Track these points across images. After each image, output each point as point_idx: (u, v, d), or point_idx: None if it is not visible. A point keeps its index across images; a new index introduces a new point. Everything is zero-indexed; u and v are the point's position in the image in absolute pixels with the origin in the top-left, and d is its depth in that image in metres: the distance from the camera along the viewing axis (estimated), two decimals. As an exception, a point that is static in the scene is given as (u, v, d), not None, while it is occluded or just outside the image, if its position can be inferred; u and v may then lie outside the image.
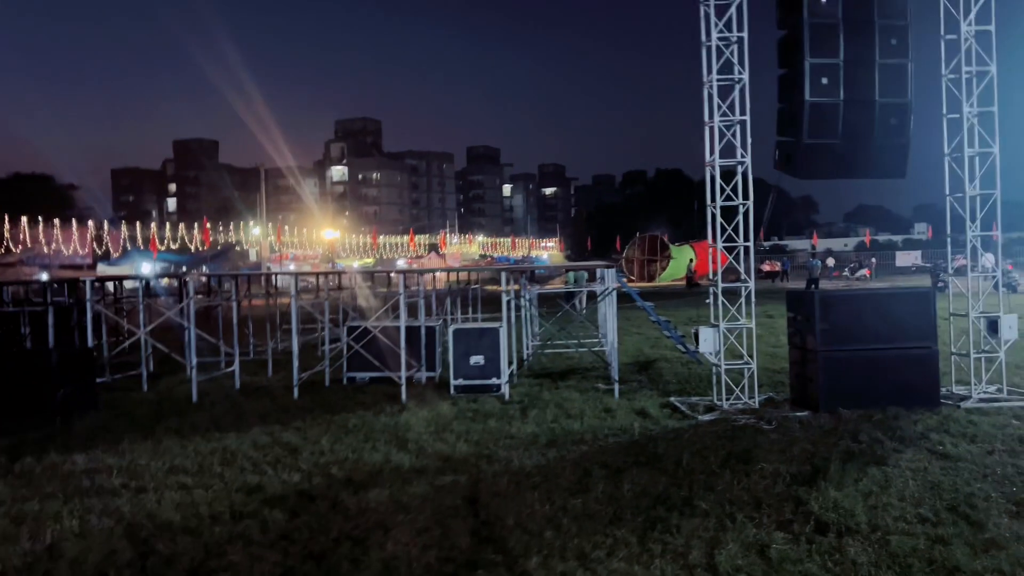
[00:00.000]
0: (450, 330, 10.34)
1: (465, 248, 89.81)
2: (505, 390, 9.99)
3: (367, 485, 5.98)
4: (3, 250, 46.17)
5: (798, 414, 8.19)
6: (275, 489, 5.96)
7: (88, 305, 10.82)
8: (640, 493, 5.71)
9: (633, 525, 5.05)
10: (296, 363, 10.35)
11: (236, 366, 11.29)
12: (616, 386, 9.91)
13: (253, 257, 64.63)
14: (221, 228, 68.07)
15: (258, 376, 12.19)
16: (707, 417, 8.35)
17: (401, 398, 9.76)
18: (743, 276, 8.79)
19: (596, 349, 13.21)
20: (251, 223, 70.37)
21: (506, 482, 6.05)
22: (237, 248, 60.54)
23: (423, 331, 11.26)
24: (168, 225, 65.56)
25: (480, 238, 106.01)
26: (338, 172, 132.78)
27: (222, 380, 11.47)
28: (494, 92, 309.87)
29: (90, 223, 55.62)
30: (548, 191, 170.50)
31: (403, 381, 9.99)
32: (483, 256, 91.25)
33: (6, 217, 48.39)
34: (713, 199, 8.95)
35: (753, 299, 8.86)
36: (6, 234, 48.70)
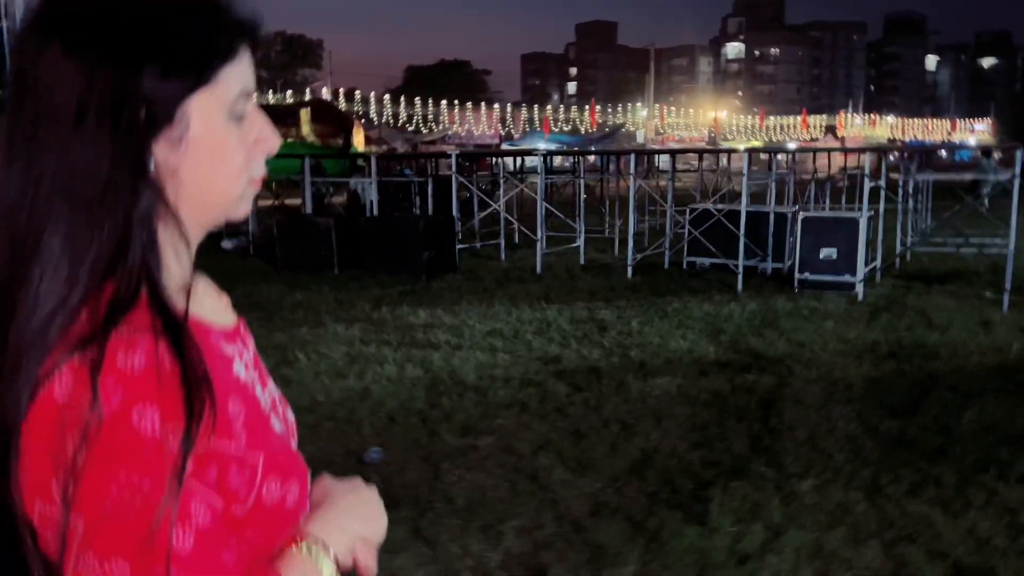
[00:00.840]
0: (800, 218, 9.34)
1: (868, 131, 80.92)
2: (859, 289, 8.83)
3: (658, 372, 5.73)
4: (427, 129, 52.90)
5: None
6: (571, 363, 6.01)
7: (454, 179, 11.81)
8: (985, 427, 4.65)
9: (959, 465, 4.12)
10: (631, 243, 10.26)
11: (580, 241, 11.58)
12: (1006, 296, 8.17)
13: (640, 139, 65.66)
14: (611, 110, 70.00)
15: (606, 253, 12.40)
16: None
17: (736, 288, 9.20)
18: None
19: (991, 251, 10.99)
20: (639, 105, 71.21)
21: (817, 391, 5.35)
22: (624, 130, 61.80)
23: (771, 217, 10.35)
24: (562, 108, 69.22)
25: (890, 119, 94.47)
26: (733, 49, 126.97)
27: (571, 255, 11.89)
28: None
29: (496, 106, 60.90)
30: (985, 63, 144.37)
31: (739, 270, 9.36)
32: (891, 140, 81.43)
33: (430, 100, 55.08)
34: None
35: None
36: (429, 115, 55.64)
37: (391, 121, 52.83)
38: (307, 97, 53.54)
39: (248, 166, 0.77)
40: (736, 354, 6.32)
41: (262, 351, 0.87)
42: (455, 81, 70.92)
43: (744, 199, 9.59)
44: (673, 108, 71.21)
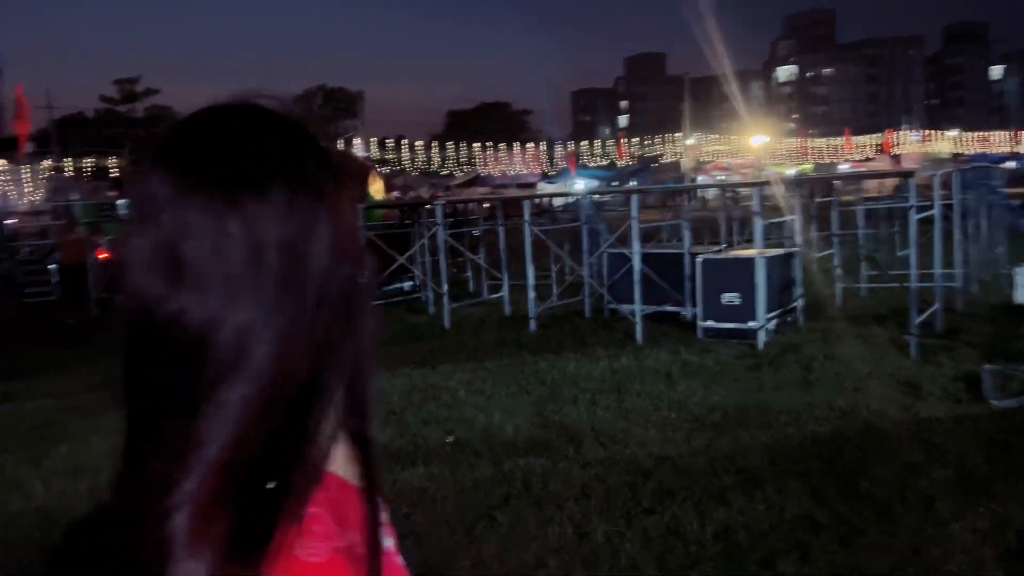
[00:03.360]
0: (697, 261, 8.48)
1: (927, 146, 77.57)
2: (761, 337, 7.90)
3: (420, 460, 5.01)
4: (460, 172, 53.00)
5: None
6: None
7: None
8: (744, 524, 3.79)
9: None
10: (531, 295, 9.53)
11: (504, 292, 10.89)
12: (912, 341, 7.14)
13: (685, 168, 64.45)
14: (652, 141, 69.07)
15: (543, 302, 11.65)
16: (1006, 403, 5.46)
17: (635, 337, 8.39)
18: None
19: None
20: (683, 133, 70.03)
21: (577, 479, 4.56)
22: (662, 160, 60.80)
23: (685, 260, 9.48)
24: (606, 143, 68.57)
25: (953, 133, 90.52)
26: (785, 72, 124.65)
27: (490, 306, 11.21)
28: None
29: (530, 145, 60.82)
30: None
31: (636, 318, 8.53)
32: (956, 155, 77.69)
33: (462, 143, 55.37)
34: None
35: None
36: (462, 158, 55.89)
37: (423, 167, 53.21)
38: (348, 147, 54.50)
39: None
40: (538, 430, 5.55)
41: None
42: (496, 123, 71.28)
43: (636, 238, 8.77)
44: (716, 135, 69.85)
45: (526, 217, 9.53)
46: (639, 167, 57.63)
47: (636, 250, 8.66)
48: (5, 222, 26.04)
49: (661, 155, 62.98)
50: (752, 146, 64.33)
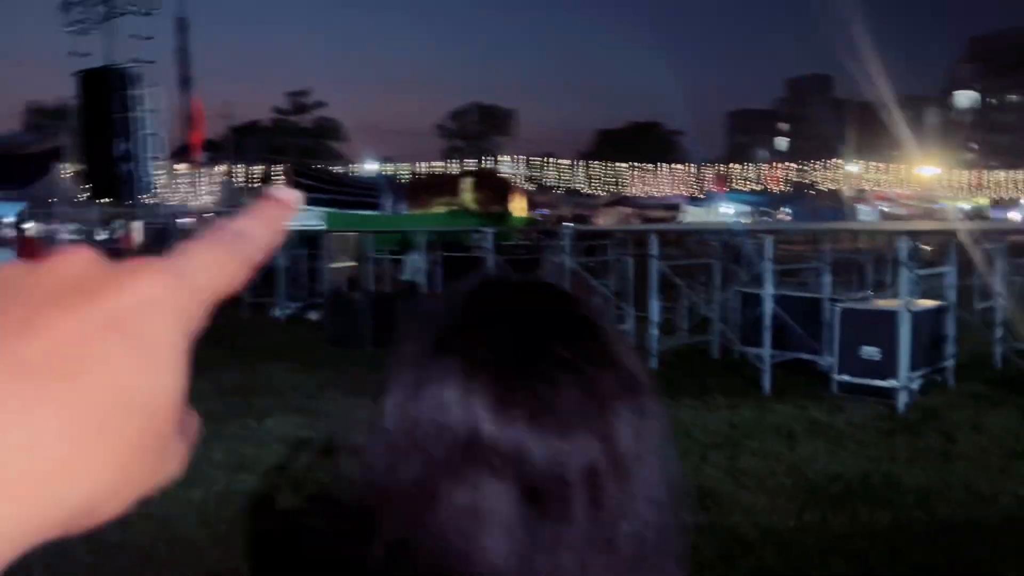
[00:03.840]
0: (835, 309, 7.91)
1: None
2: (901, 398, 7.25)
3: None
4: (603, 192, 52.79)
5: None
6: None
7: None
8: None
9: None
10: (654, 330, 9.23)
11: (630, 324, 10.64)
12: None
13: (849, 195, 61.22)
14: (816, 167, 66.11)
15: (674, 336, 11.29)
16: None
17: (761, 385, 7.95)
18: None
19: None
20: (844, 161, 66.56)
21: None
22: (818, 187, 58.05)
23: (824, 306, 8.88)
24: (759, 166, 66.30)
25: None
26: (965, 98, 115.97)
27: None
28: None
29: (677, 165, 59.69)
30: None
31: (765, 365, 8.07)
32: None
33: (606, 162, 55.13)
34: None
35: None
36: (607, 178, 55.61)
37: (569, 185, 53.46)
38: (498, 163, 55.65)
39: None
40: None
41: None
42: (645, 143, 70.58)
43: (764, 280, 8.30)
44: (880, 163, 65.94)
45: (653, 251, 9.24)
46: (793, 194, 55.34)
47: (768, 293, 8.20)
48: (179, 221, 28.32)
49: (817, 182, 60.14)
50: (920, 176, 60.21)
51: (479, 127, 70.75)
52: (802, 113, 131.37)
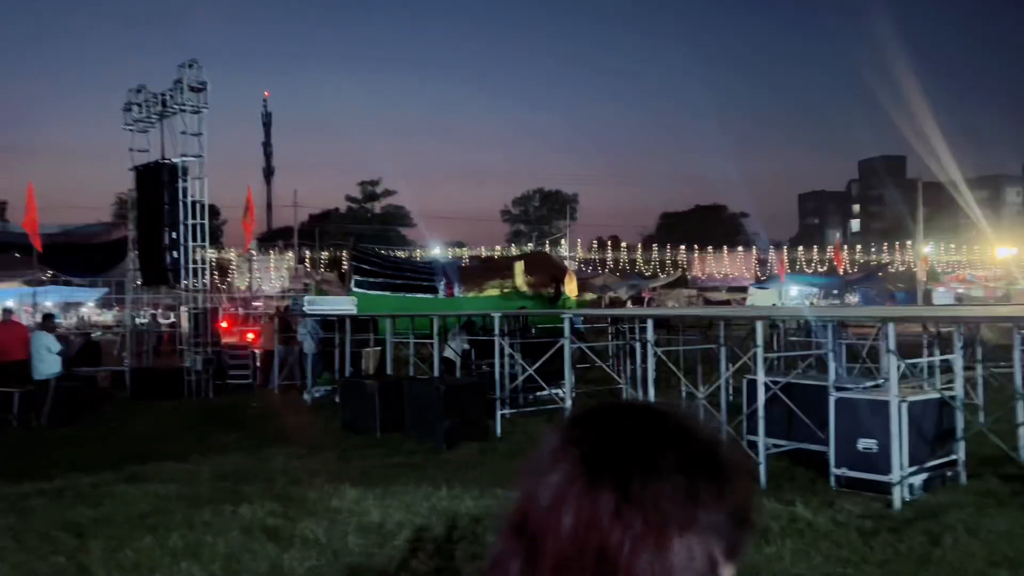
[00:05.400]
0: (830, 398, 7.54)
1: None
2: (897, 494, 6.78)
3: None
4: (664, 274, 52.26)
5: None
6: None
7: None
8: None
9: None
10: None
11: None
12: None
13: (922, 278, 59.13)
14: (887, 249, 64.30)
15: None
16: None
17: (759, 481, 7.57)
18: None
19: None
20: (917, 242, 64.52)
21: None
22: (890, 270, 56.20)
23: (831, 393, 8.46)
24: (827, 248, 64.86)
25: None
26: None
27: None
28: None
29: (740, 248, 58.95)
30: None
31: (761, 458, 7.70)
32: None
33: (667, 245, 54.89)
34: None
35: None
36: (667, 260, 55.24)
37: (631, 268, 53.21)
38: (561, 246, 56.13)
39: None
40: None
41: None
42: (710, 225, 70.14)
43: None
44: (955, 244, 63.64)
45: (649, 337, 9.05)
46: (862, 276, 53.69)
47: (761, 380, 7.90)
48: (254, 304, 29.32)
49: (889, 263, 58.30)
50: (998, 258, 57.73)
51: (541, 211, 71.70)
52: (874, 194, 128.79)
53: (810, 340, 12.29)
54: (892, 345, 6.92)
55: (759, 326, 7.97)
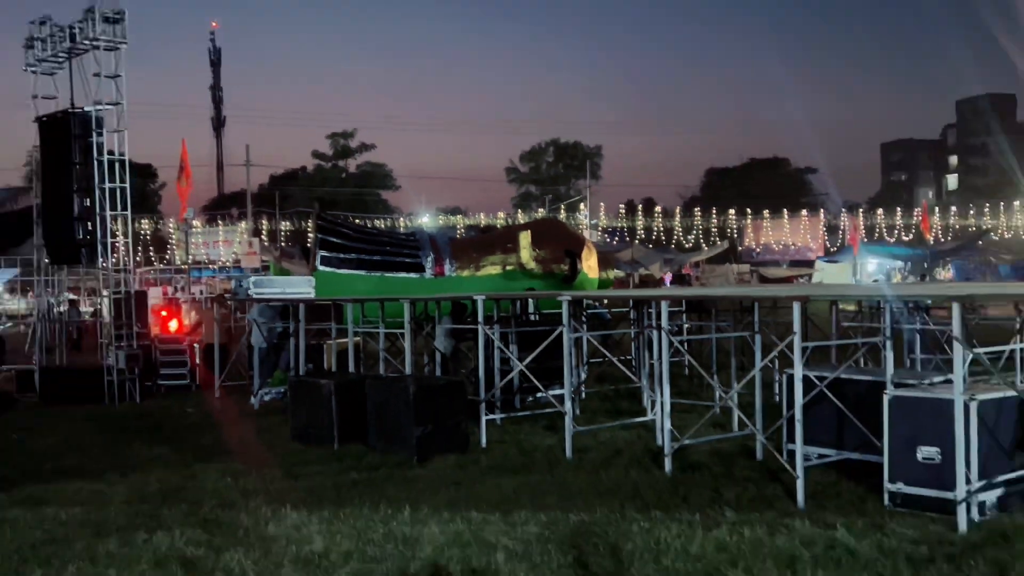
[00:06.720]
0: (885, 397, 7.59)
1: None
2: (961, 514, 6.84)
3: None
4: (708, 245, 52.30)
5: None
6: None
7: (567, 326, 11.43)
8: None
9: None
10: (666, 426, 9.02)
11: (656, 413, 10.47)
12: None
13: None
14: (990, 211, 64.02)
15: (720, 430, 11.03)
16: None
17: (795, 495, 7.67)
18: None
19: None
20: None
21: None
22: (994, 237, 55.93)
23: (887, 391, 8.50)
24: (898, 213, 64.60)
25: None
26: None
27: (646, 430, 10.81)
28: None
29: (804, 212, 58.75)
30: None
31: (799, 473, 7.76)
32: None
33: (729, 211, 54.76)
34: None
35: None
36: (712, 227, 55.14)
37: (670, 236, 53.36)
38: (580, 212, 56.16)
39: None
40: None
41: None
42: (767, 184, 69.92)
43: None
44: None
45: (664, 324, 9.12)
46: (958, 245, 53.51)
47: (799, 374, 7.95)
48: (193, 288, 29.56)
49: (992, 228, 58.04)
50: None
51: (554, 169, 71.62)
52: (976, 143, 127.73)
53: (876, 326, 12.35)
54: (958, 330, 6.94)
55: (796, 307, 8.00)
